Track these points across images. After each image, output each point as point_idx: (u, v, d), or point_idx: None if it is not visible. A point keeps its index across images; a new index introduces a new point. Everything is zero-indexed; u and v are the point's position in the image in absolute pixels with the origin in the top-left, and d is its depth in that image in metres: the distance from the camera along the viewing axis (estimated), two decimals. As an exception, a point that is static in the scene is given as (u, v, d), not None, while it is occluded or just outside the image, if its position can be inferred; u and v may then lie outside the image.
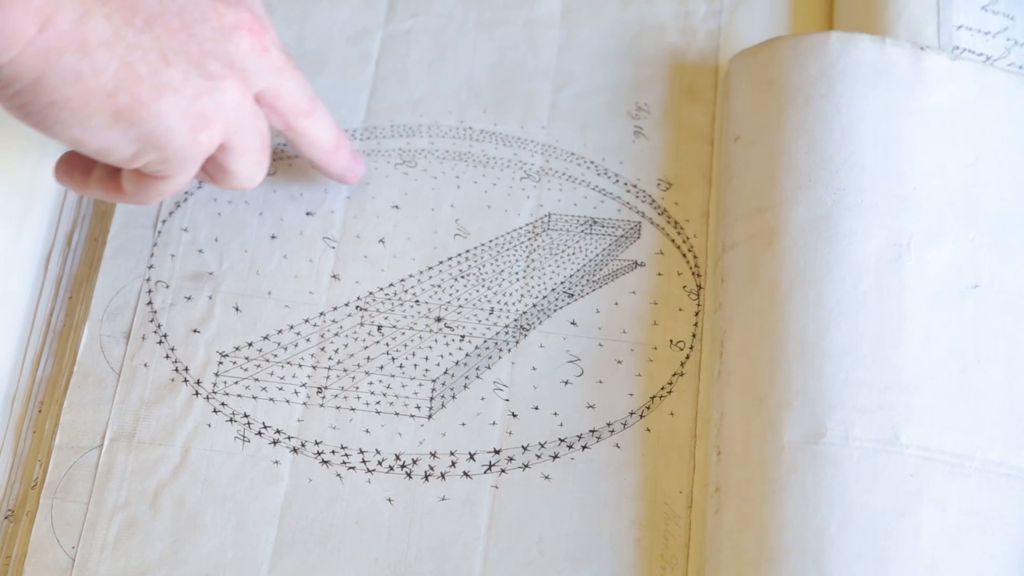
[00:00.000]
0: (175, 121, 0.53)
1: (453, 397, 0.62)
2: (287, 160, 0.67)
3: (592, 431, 0.61)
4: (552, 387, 0.62)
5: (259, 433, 0.60)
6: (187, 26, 0.53)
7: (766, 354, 0.59)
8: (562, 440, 0.61)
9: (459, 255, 0.66)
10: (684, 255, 0.65)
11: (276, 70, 0.57)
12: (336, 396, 0.61)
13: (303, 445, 0.60)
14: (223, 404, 0.61)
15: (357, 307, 0.64)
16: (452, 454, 0.60)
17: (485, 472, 0.60)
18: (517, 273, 0.65)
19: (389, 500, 0.59)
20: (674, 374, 0.62)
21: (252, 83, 0.56)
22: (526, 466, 0.60)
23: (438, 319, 0.64)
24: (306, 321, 0.63)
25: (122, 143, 0.53)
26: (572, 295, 0.64)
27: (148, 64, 0.51)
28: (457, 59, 0.71)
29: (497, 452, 0.60)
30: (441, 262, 0.65)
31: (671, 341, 0.63)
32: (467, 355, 0.63)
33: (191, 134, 0.53)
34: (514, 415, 0.61)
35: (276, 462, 0.60)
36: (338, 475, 0.60)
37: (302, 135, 0.61)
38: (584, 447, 0.60)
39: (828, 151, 0.62)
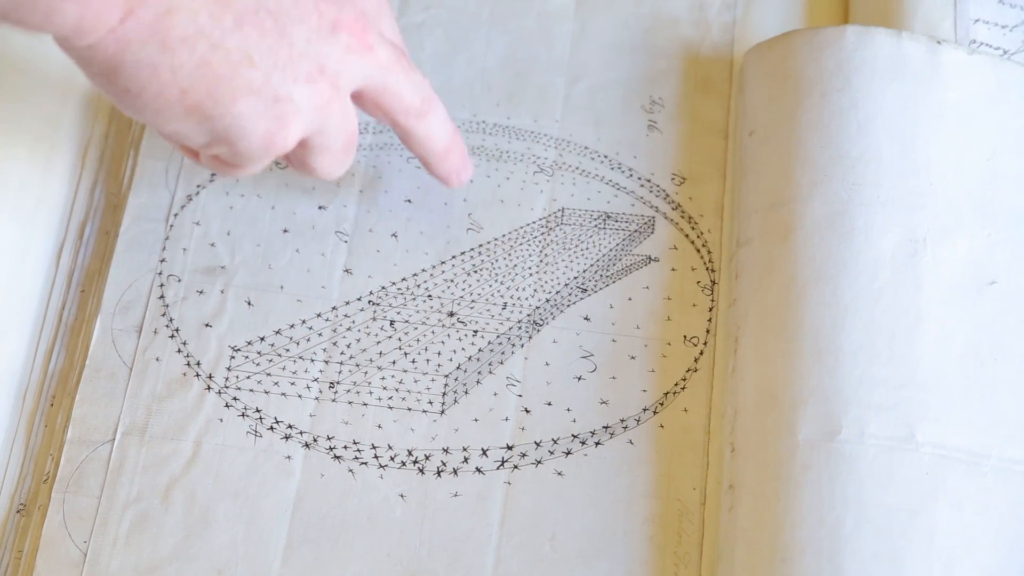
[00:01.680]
0: (250, 123, 0.52)
1: (466, 392, 0.61)
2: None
3: (605, 427, 0.61)
4: (565, 383, 0.62)
5: (271, 428, 0.60)
6: (281, 26, 0.52)
7: (781, 350, 0.58)
8: (575, 436, 0.60)
9: (472, 250, 0.65)
10: (698, 250, 0.65)
11: (381, 68, 0.56)
12: (348, 391, 0.61)
13: (315, 440, 0.60)
14: (235, 399, 0.61)
15: (369, 302, 0.64)
16: (465, 450, 0.60)
17: (498, 468, 0.60)
18: (530, 268, 0.65)
19: (401, 496, 0.59)
20: (688, 370, 0.62)
21: (347, 84, 0.55)
22: (539, 462, 0.60)
23: (451, 314, 0.64)
24: (318, 316, 0.63)
25: (194, 134, 0.52)
26: (585, 290, 0.64)
27: (230, 64, 0.50)
28: (470, 52, 0.70)
29: (510, 448, 0.60)
30: (454, 256, 0.65)
31: (685, 337, 0.63)
32: (480, 350, 0.62)
33: (265, 136, 0.53)
34: (527, 411, 0.61)
35: (288, 457, 0.60)
36: (350, 470, 0.60)
37: (410, 135, 0.60)
38: (597, 443, 0.60)
39: (844, 146, 0.62)
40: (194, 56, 0.49)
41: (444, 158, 0.62)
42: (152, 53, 0.48)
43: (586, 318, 0.63)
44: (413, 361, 0.62)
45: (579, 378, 0.62)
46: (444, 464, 0.60)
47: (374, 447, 0.60)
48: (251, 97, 0.51)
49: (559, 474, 0.60)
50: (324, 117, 0.54)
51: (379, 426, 0.61)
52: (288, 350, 0.62)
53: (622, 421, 0.61)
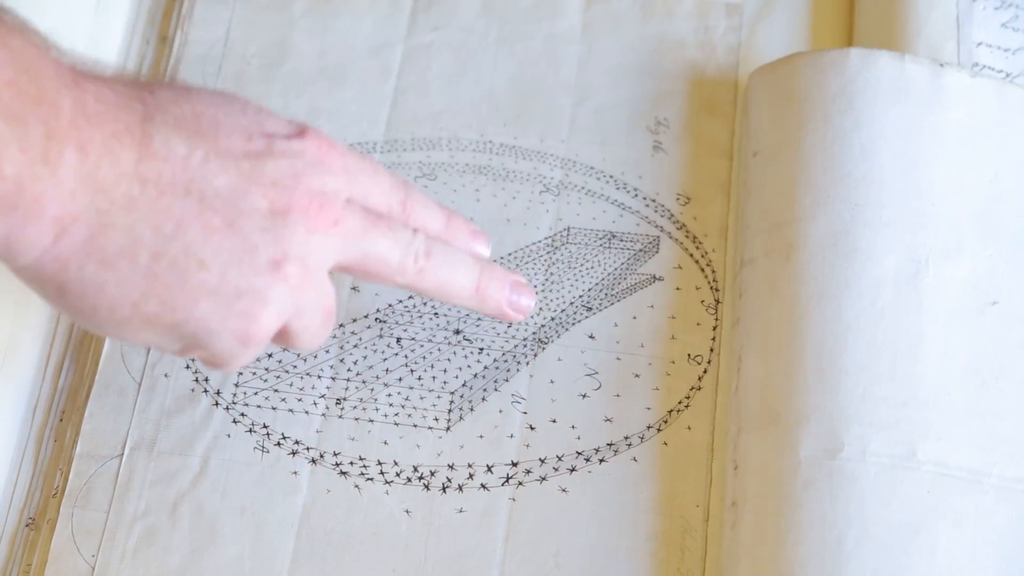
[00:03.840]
0: (216, 323, 0.49)
1: (471, 409, 0.62)
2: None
3: (609, 444, 0.61)
4: (570, 400, 0.62)
5: (278, 444, 0.61)
6: (229, 222, 0.49)
7: (783, 369, 0.59)
8: (579, 453, 0.61)
9: (478, 268, 0.66)
10: (702, 269, 0.65)
11: (355, 239, 0.52)
12: (355, 408, 0.62)
13: (322, 456, 0.61)
14: (243, 415, 0.61)
15: (376, 319, 0.64)
16: (470, 466, 0.60)
17: (503, 484, 0.60)
18: (536, 286, 0.65)
19: (407, 512, 0.59)
20: (691, 388, 0.62)
21: (318, 263, 0.51)
22: (543, 479, 0.60)
23: (457, 331, 0.64)
24: (326, 333, 0.64)
25: (164, 342, 0.50)
26: (590, 309, 0.65)
27: (177, 271, 0.48)
28: (478, 73, 0.71)
29: (515, 465, 0.61)
30: (460, 275, 0.66)
31: (689, 355, 0.63)
32: (485, 368, 0.63)
33: (237, 333, 0.50)
34: (532, 428, 0.61)
35: (295, 473, 0.60)
36: (356, 486, 0.60)
37: (423, 290, 0.56)
38: (601, 460, 0.61)
39: (847, 167, 0.62)
40: (137, 269, 0.47)
41: (479, 299, 0.58)
42: (93, 271, 0.46)
43: (591, 336, 0.64)
44: (419, 378, 0.63)
45: (584, 396, 0.62)
46: (449, 480, 0.60)
47: (380, 463, 0.60)
48: (209, 298, 0.48)
49: (563, 491, 0.60)
50: (298, 301, 0.51)
51: (385, 442, 0.61)
52: (295, 367, 0.63)
53: (626, 438, 0.61)
